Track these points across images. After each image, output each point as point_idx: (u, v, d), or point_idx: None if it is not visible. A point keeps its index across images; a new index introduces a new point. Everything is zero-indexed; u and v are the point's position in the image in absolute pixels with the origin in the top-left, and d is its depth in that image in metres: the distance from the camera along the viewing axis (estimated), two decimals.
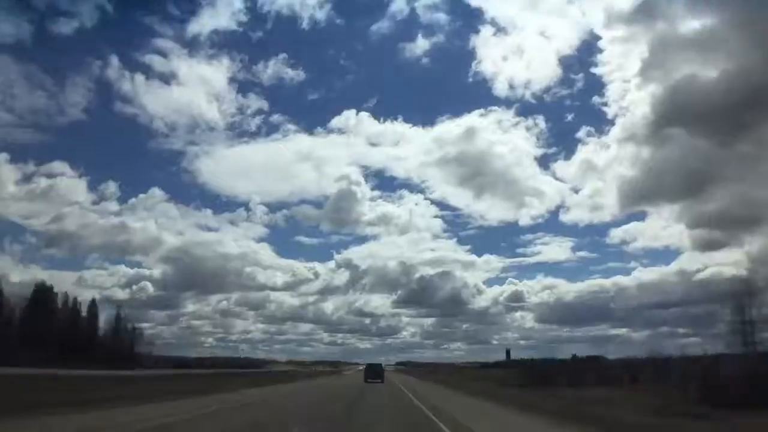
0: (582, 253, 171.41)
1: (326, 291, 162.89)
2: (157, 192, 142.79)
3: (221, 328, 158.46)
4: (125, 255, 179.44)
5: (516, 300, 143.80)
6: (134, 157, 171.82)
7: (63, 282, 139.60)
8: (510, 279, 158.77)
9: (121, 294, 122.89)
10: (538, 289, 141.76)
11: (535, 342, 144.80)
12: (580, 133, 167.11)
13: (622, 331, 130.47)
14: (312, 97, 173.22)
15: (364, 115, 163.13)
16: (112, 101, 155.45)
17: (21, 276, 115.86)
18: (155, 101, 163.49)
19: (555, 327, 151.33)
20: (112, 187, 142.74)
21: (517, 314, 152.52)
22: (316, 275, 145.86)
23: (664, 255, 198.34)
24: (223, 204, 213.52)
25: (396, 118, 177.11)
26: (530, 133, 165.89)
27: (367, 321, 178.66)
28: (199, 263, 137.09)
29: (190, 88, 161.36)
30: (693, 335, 74.87)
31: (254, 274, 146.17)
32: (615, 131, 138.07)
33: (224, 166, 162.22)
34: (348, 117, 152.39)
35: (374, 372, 47.02)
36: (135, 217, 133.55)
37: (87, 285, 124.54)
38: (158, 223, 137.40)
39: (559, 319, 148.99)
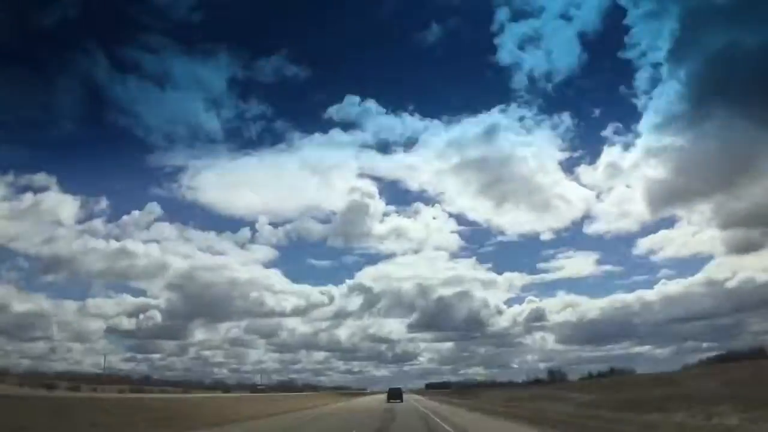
0: (607, 267, 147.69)
1: (339, 316, 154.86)
2: (155, 212, 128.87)
3: (234, 358, 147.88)
4: (127, 281, 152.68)
5: (536, 320, 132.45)
6: (128, 172, 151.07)
7: (66, 311, 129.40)
8: (530, 297, 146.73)
9: (128, 323, 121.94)
10: (559, 308, 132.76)
11: (557, 363, 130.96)
12: (607, 131, 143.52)
13: (645, 348, 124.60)
14: (318, 96, 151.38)
15: (372, 108, 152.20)
16: (102, 110, 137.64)
17: (25, 305, 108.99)
18: (148, 108, 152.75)
19: (576, 347, 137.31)
20: (106, 206, 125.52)
21: (538, 335, 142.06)
22: (330, 300, 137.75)
23: (693, 264, 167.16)
24: (227, 223, 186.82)
25: (407, 111, 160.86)
26: (555, 132, 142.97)
27: (383, 347, 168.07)
28: (206, 290, 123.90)
29: (186, 91, 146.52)
30: (717, 349, 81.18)
31: (264, 300, 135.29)
32: (644, 124, 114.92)
33: (226, 181, 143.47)
34: (354, 108, 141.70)
35: (395, 394, 59.46)
36: (134, 240, 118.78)
37: (91, 314, 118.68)
38: (160, 246, 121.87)
39: (580, 338, 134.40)
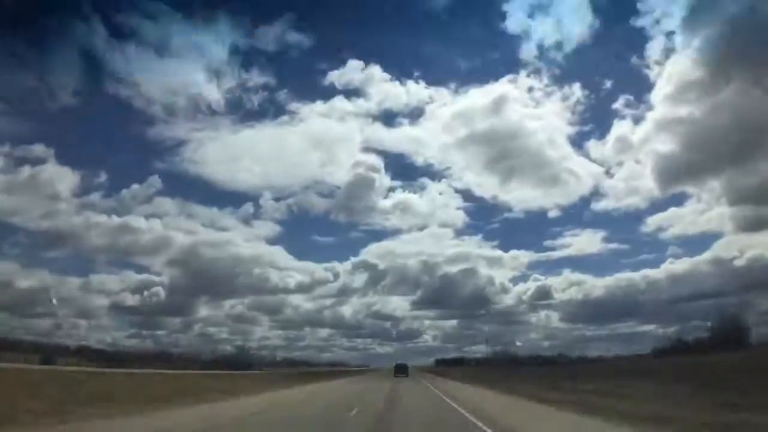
0: (613, 245, 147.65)
1: (344, 293, 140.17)
2: (156, 185, 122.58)
3: (239, 335, 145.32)
4: (130, 257, 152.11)
5: (541, 298, 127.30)
6: (128, 145, 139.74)
7: (70, 288, 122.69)
8: (535, 275, 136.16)
9: (131, 300, 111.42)
10: (564, 286, 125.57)
11: (560, 342, 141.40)
12: (618, 104, 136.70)
13: (650, 327, 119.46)
14: (321, 65, 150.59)
15: (378, 76, 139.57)
16: (100, 80, 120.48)
17: (28, 282, 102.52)
18: (148, 78, 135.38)
19: (580, 326, 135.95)
20: (106, 180, 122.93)
21: (543, 313, 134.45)
22: (335, 277, 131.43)
23: (702, 242, 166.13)
24: (229, 198, 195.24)
25: (412, 79, 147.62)
26: (564, 104, 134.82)
27: (388, 324, 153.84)
28: (210, 267, 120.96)
29: (186, 60, 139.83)
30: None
31: (269, 276, 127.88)
32: (656, 96, 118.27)
33: (228, 154, 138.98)
34: (357, 74, 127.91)
35: (401, 370, 63.68)
36: (136, 214, 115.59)
37: (94, 290, 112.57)
38: (162, 222, 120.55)
39: (584, 316, 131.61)
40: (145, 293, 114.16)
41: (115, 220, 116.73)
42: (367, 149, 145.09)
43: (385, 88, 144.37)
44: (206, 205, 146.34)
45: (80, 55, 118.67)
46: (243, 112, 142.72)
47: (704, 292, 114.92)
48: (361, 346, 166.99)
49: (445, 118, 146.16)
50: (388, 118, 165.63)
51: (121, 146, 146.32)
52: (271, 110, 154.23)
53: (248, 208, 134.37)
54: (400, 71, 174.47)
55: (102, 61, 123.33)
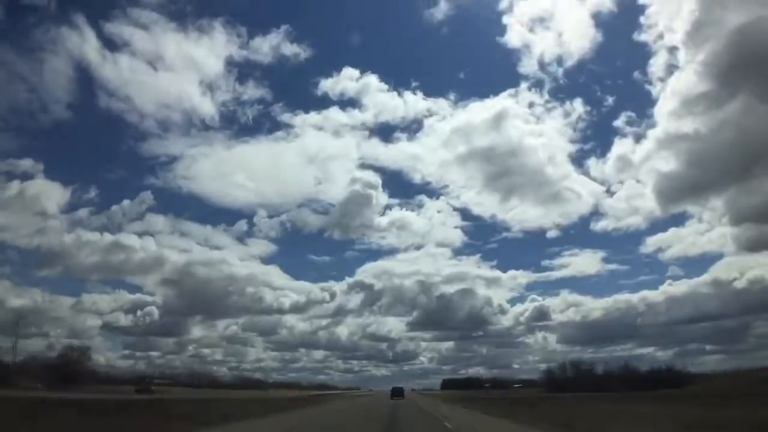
0: (613, 266, 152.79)
1: (339, 314, 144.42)
2: (147, 201, 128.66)
3: (233, 356, 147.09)
4: (122, 275, 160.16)
5: (539, 319, 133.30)
6: (120, 161, 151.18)
7: (62, 307, 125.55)
8: (533, 296, 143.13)
9: (124, 320, 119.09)
10: (562, 308, 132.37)
11: (557, 365, 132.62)
12: (619, 121, 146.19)
13: (648, 350, 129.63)
14: (317, 77, 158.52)
15: (374, 85, 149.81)
16: (91, 93, 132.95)
17: (22, 301, 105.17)
18: (141, 91, 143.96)
19: (578, 348, 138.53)
20: (96, 196, 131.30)
21: (540, 335, 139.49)
22: (331, 297, 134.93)
23: (702, 263, 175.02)
24: (223, 215, 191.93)
25: (409, 90, 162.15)
26: (566, 121, 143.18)
27: (384, 346, 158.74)
28: (204, 286, 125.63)
29: (179, 73, 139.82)
30: (720, 352, 76.85)
31: (263, 296, 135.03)
32: (658, 113, 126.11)
33: (221, 171, 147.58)
34: (352, 83, 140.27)
35: (397, 392, 62.18)
36: (126, 232, 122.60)
37: (87, 310, 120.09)
38: (156, 240, 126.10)
39: (582, 338, 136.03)
40: (138, 313, 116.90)
41: (107, 237, 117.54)
42: (363, 165, 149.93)
43: (381, 99, 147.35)
44: (200, 222, 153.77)
45: (71, 65, 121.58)
46: (237, 126, 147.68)
47: (704, 315, 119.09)
48: (356, 368, 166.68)
49: (444, 134, 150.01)
50: (385, 132, 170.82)
51: (113, 161, 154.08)
52: (266, 125, 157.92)
53: (242, 225, 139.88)
54: (396, 81, 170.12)
55: (94, 73, 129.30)
